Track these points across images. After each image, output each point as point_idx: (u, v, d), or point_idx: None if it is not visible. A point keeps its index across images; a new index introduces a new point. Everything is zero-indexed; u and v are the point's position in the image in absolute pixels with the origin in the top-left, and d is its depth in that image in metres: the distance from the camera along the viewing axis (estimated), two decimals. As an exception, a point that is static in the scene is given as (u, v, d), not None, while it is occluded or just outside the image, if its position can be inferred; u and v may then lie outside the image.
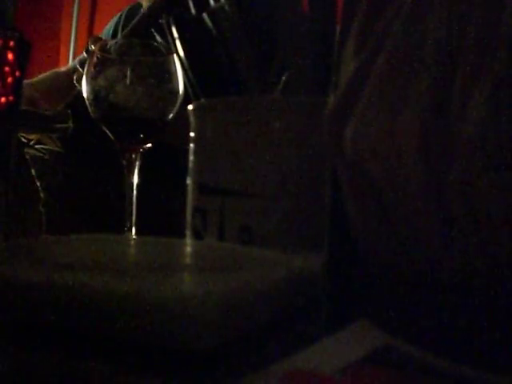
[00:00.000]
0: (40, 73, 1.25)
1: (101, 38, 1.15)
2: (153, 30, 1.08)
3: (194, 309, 0.22)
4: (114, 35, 1.25)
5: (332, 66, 0.36)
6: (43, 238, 0.64)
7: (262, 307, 0.26)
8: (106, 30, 1.33)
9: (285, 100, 0.46)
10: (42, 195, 1.02)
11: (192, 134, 0.47)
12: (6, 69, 0.56)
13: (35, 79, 1.21)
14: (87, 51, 1.07)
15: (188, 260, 0.36)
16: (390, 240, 0.32)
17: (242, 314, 0.25)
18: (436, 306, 0.29)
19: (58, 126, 0.98)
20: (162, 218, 0.93)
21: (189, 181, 0.46)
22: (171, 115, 0.66)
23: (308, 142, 0.43)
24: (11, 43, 0.56)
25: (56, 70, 1.26)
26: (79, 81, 1.07)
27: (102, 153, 0.90)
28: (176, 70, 0.66)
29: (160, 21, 1.10)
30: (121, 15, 1.31)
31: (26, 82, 1.14)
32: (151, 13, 1.07)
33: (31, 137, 1.08)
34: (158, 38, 1.06)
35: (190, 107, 0.47)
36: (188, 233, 0.46)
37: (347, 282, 0.34)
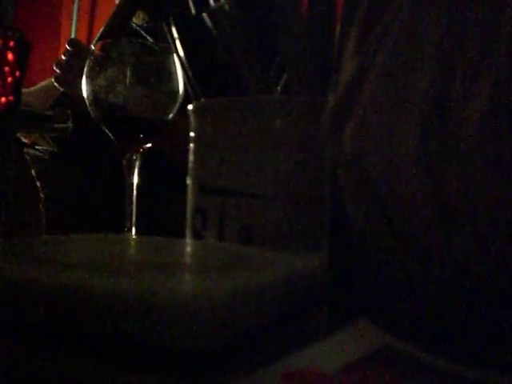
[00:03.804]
0: (40, 73, 1.26)
1: (77, 41, 1.15)
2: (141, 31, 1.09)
3: (194, 309, 0.22)
4: None
5: (332, 65, 0.36)
6: (43, 238, 0.64)
7: (261, 307, 0.26)
8: None
9: (285, 100, 0.46)
10: (41, 195, 1.02)
11: (192, 134, 0.47)
12: (6, 69, 0.56)
13: (33, 88, 1.21)
14: (64, 53, 1.08)
15: (188, 260, 0.36)
16: (389, 240, 0.32)
17: (241, 314, 0.25)
18: (436, 305, 0.29)
19: (58, 126, 0.98)
20: (162, 217, 0.93)
21: (189, 181, 0.46)
22: (171, 115, 0.66)
23: (308, 142, 0.43)
24: (11, 43, 0.56)
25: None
26: (57, 80, 1.07)
27: (102, 153, 0.90)
28: (176, 69, 0.66)
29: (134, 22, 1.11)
30: None
31: (24, 90, 1.15)
32: (120, 13, 1.07)
33: (28, 138, 1.09)
34: (149, 37, 1.06)
35: (190, 107, 0.47)
36: (188, 233, 0.46)
37: (347, 281, 0.34)
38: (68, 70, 1.04)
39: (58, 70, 1.07)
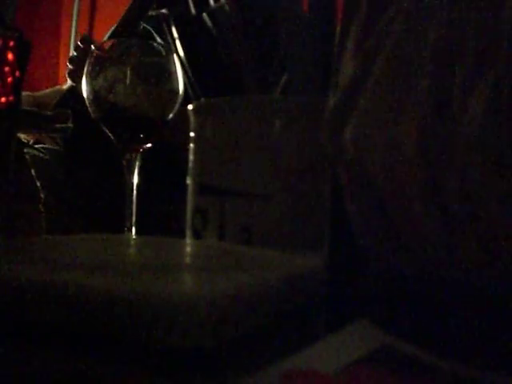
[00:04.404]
0: (40, 73, 1.27)
1: (89, 37, 1.17)
2: (152, 29, 1.09)
3: (193, 309, 0.22)
4: None
5: (332, 65, 0.36)
6: (43, 238, 0.64)
7: (261, 307, 0.26)
8: None
9: (285, 100, 0.46)
10: (41, 195, 1.02)
11: (192, 134, 0.47)
12: (6, 69, 0.56)
13: (38, 93, 1.23)
14: (76, 49, 1.09)
15: (188, 260, 0.36)
16: (389, 240, 0.32)
17: (241, 314, 0.25)
18: (436, 305, 0.29)
19: (58, 126, 0.98)
20: (162, 218, 0.93)
21: (189, 181, 0.46)
22: (171, 115, 0.66)
23: (308, 142, 0.43)
24: (11, 43, 0.56)
25: (58, 86, 1.28)
26: (70, 75, 1.09)
27: (102, 153, 0.91)
28: (176, 69, 0.66)
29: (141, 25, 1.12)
30: None
31: (28, 94, 1.16)
32: (133, 11, 1.08)
33: (31, 137, 1.09)
34: (158, 39, 1.06)
35: (190, 107, 0.47)
36: (188, 233, 0.46)
37: (347, 281, 0.34)
38: (80, 65, 1.06)
39: (70, 66, 1.09)
